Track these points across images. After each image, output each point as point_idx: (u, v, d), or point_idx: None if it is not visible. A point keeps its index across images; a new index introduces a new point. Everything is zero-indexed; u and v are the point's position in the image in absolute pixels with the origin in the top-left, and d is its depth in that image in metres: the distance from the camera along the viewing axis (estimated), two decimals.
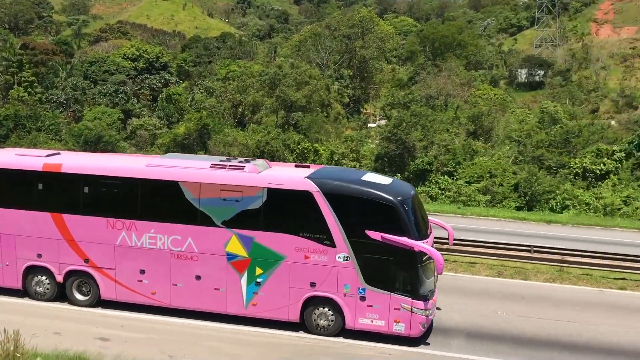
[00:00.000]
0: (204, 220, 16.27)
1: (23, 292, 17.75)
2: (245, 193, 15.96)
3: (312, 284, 15.86)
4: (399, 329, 15.49)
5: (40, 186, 17.24)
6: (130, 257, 16.85)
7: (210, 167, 16.70)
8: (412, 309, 15.31)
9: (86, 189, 17.05)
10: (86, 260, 17.16)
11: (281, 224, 15.89)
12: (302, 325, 16.22)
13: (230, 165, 16.67)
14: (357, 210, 15.53)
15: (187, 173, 16.50)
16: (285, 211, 15.99)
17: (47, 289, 17.60)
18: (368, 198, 15.49)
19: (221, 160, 17.26)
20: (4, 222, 17.34)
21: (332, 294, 15.79)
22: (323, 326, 16.05)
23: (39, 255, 17.34)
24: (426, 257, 15.16)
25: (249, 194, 15.93)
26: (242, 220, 16.00)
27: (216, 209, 16.15)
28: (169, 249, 16.55)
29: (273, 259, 15.96)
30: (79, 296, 17.52)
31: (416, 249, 15.04)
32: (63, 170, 17.09)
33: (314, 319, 16.10)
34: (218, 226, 16.21)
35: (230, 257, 16.22)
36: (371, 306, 15.61)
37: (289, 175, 16.51)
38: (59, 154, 18.62)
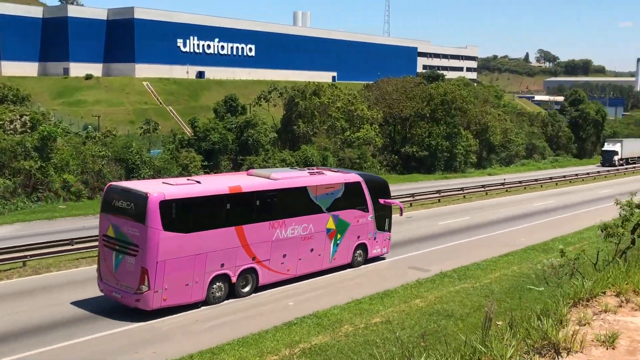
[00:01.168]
0: (318, 210, 23.66)
1: (203, 303, 20.34)
2: (336, 188, 24.36)
3: (358, 237, 25.65)
4: (385, 251, 27.44)
5: (228, 206, 20.56)
6: (279, 248, 22.15)
7: (317, 174, 24.63)
8: (389, 238, 27.52)
9: (257, 202, 21.55)
10: (253, 259, 21.39)
11: (351, 204, 25.06)
12: (352, 265, 25.90)
13: (326, 173, 25.21)
14: (375, 189, 26.31)
15: (309, 180, 23.65)
16: (353, 196, 25.07)
17: (223, 291, 20.70)
18: (378, 181, 27.77)
19: (310, 169, 26.17)
20: (200, 243, 19.53)
21: (365, 240, 26.08)
22: (358, 261, 26.03)
23: (222, 265, 20.38)
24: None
25: (337, 188, 24.46)
26: (334, 205, 24.20)
27: (324, 201, 23.84)
28: (299, 235, 22.89)
29: (346, 227, 24.82)
30: (245, 289, 21.46)
31: (395, 204, 28.54)
32: (243, 190, 21.06)
33: (355, 258, 25.84)
34: (324, 212, 23.86)
35: (328, 231, 24.10)
36: (377, 241, 26.70)
37: (350, 174, 26.42)
38: (199, 182, 20.89)
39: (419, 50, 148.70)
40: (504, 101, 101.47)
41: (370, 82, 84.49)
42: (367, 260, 26.68)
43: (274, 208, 21.95)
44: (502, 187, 54.32)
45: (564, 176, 63.93)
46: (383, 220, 26.71)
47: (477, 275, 25.39)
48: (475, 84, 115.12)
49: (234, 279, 20.73)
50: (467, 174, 67.67)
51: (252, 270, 21.39)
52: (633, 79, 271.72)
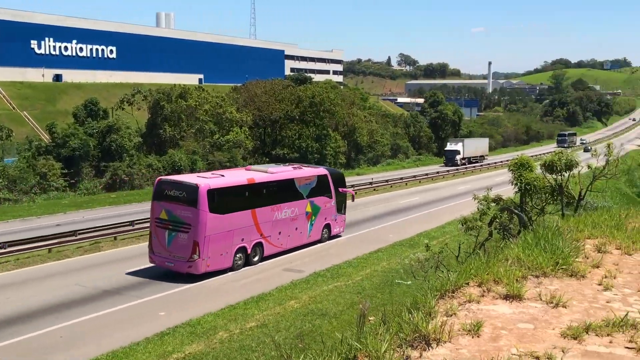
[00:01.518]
0: (300, 197, 29.63)
1: (229, 269, 25.64)
2: (311, 179, 30.62)
3: (325, 218, 31.70)
4: (342, 230, 33.65)
5: (246, 194, 26.54)
6: (276, 227, 27.93)
7: (300, 169, 31.43)
8: (345, 220, 33.80)
9: (264, 191, 27.43)
10: (261, 235, 27.05)
11: (321, 192, 31.16)
12: (320, 240, 31.77)
13: (303, 168, 32.17)
14: (336, 180, 32.89)
15: (295, 173, 30.11)
16: (322, 186, 31.17)
17: (242, 260, 26.15)
18: (338, 174, 34.29)
19: (294, 165, 32.69)
20: (230, 222, 25.05)
21: (330, 221, 32.22)
22: (325, 237, 31.94)
23: (242, 239, 25.99)
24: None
25: (313, 179, 30.71)
26: (310, 193, 30.28)
27: (304, 190, 29.94)
28: (289, 217, 28.70)
29: (318, 210, 30.87)
30: (255, 259, 27.00)
31: (349, 192, 34.84)
32: (256, 181, 27.14)
33: (323, 235, 31.76)
34: (304, 199, 29.90)
35: (306, 213, 30.04)
36: (337, 222, 32.95)
37: (319, 168, 33.86)
38: (223, 176, 26.85)
39: (286, 53, 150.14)
40: (370, 103, 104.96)
41: (239, 85, 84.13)
42: (331, 237, 32.75)
43: (274, 195, 28.03)
44: (370, 186, 56.10)
45: (426, 174, 67.24)
46: (341, 204, 32.98)
47: (349, 273, 26.01)
48: (342, 87, 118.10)
49: (249, 251, 26.36)
50: None
51: (260, 244, 27.08)
52: (485, 81, 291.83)
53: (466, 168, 79.41)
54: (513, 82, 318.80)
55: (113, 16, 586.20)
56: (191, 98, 62.85)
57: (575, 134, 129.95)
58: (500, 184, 52.99)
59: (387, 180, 59.54)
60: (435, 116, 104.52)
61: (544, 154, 72.18)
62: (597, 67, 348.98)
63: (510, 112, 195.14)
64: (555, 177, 18.20)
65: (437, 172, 69.61)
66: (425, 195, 52.76)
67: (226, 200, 25.03)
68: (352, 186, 53.45)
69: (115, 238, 31.97)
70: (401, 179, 61.86)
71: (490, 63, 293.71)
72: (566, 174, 18.43)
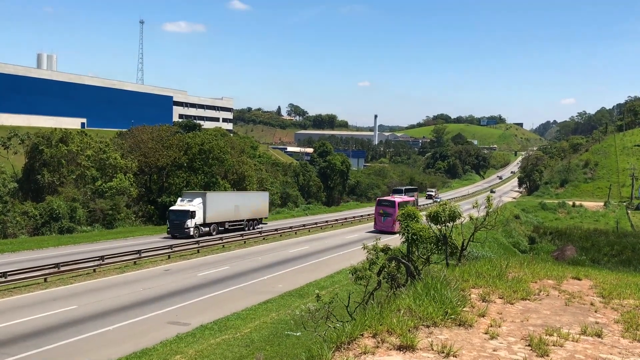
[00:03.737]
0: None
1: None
2: (410, 202, 63.57)
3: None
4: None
5: (399, 205, 58.23)
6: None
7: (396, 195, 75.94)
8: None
9: (399, 205, 58.25)
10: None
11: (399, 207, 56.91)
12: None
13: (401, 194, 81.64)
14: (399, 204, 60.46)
15: (397, 199, 64.89)
16: (402, 204, 54.88)
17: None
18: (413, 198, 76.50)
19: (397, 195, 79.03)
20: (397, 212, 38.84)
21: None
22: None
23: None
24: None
25: (410, 201, 64.98)
26: (401, 207, 48.05)
27: (402, 205, 55.69)
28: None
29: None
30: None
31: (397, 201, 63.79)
32: (399, 201, 62.58)
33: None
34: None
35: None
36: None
37: (404, 195, 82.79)
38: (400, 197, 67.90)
39: (175, 99, 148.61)
40: (259, 152, 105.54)
41: (124, 130, 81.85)
42: None
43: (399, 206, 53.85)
44: (259, 235, 55.79)
45: (315, 223, 67.91)
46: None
47: (238, 325, 25.47)
48: (232, 135, 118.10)
49: None
50: None
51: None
52: (372, 133, 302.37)
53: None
54: (397, 134, 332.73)
55: None
56: (72, 143, 60.33)
57: (415, 189, 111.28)
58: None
59: (276, 229, 59.52)
60: (324, 166, 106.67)
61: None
62: (475, 122, 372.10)
63: (396, 163, 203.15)
64: (440, 227, 18.94)
65: (326, 222, 70.50)
66: (314, 244, 53.15)
67: (401, 207, 49.21)
68: (242, 235, 53.14)
69: None
70: (290, 227, 62.09)
71: (376, 116, 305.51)
72: (450, 225, 19.22)
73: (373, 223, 65.21)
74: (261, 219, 64.17)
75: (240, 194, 64.11)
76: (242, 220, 60.13)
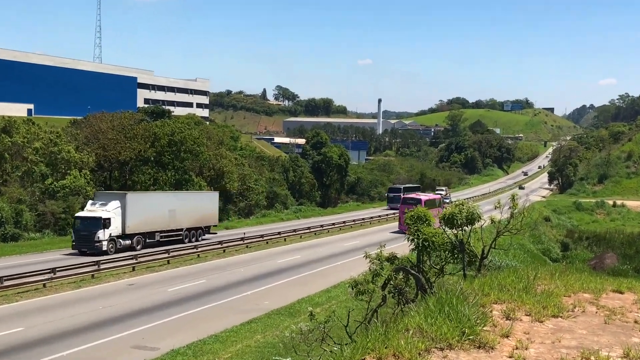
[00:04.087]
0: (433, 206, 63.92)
1: None
2: (436, 199, 76.71)
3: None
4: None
5: (426, 202, 66.33)
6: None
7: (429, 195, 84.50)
8: None
9: (425, 202, 65.81)
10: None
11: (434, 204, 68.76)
12: None
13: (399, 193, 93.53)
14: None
15: (423, 196, 75.09)
16: (429, 203, 66.93)
17: None
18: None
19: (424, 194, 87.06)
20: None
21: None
22: None
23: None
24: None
25: (436, 199, 77.72)
26: (428, 206, 56.52)
27: (431, 204, 66.79)
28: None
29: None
30: None
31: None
32: (425, 199, 71.29)
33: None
34: (435, 207, 60.50)
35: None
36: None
37: (432, 194, 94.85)
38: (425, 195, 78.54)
39: (140, 81, 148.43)
40: (241, 143, 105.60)
41: (79, 118, 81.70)
42: None
43: (426, 204, 59.35)
44: (241, 242, 55.83)
45: (309, 228, 68.02)
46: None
47: (216, 350, 25.48)
48: (208, 123, 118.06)
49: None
50: None
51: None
52: (375, 121, 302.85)
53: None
54: (405, 122, 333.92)
55: None
56: (17, 133, 60.21)
57: (417, 188, 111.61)
58: (396, 238, 54.64)
59: (262, 236, 59.56)
60: (319, 159, 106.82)
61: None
62: (497, 107, 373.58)
63: (403, 156, 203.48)
64: (456, 232, 18.98)
65: (321, 226, 70.63)
66: (307, 253, 53.23)
67: (427, 204, 58.74)
68: (220, 242, 53.19)
69: None
70: (279, 233, 62.13)
71: (380, 101, 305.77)
72: (467, 229, 19.27)
73: (397, 223, 70.23)
74: (209, 227, 60.03)
75: (178, 195, 60.10)
76: (181, 230, 55.67)
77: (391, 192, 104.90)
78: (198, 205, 58.56)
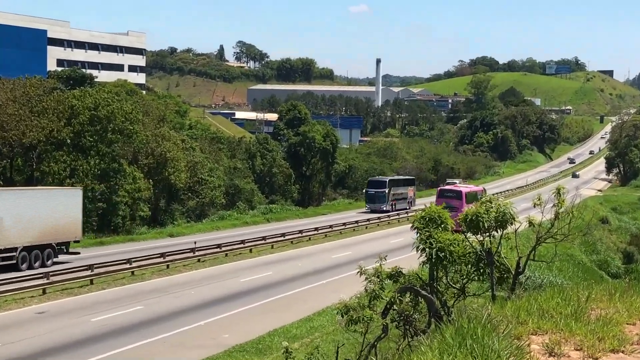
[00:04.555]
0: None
1: None
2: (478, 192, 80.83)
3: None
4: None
5: (467, 195, 77.32)
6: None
7: (467, 186, 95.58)
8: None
9: (467, 195, 76.63)
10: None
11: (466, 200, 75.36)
12: None
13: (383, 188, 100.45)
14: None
15: (464, 188, 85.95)
16: (470, 196, 75.85)
17: None
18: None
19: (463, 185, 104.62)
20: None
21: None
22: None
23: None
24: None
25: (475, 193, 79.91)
26: (469, 199, 70.34)
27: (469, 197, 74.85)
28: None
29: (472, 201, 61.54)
30: None
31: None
32: (467, 191, 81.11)
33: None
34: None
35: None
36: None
37: (470, 185, 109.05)
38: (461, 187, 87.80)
39: (51, 35, 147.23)
40: (191, 120, 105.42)
41: None
42: None
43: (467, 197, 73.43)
44: (192, 255, 55.71)
45: (282, 234, 67.86)
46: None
47: None
48: (145, 92, 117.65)
49: None
50: (137, 237, 68.23)
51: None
52: (372, 89, 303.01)
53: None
54: (413, 90, 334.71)
55: None
56: None
57: (412, 181, 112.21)
58: (401, 248, 54.68)
59: (219, 245, 59.46)
60: (296, 142, 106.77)
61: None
62: (537, 70, 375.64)
63: (411, 137, 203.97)
64: (482, 238, 19.01)
65: (300, 232, 70.59)
66: (281, 268, 53.26)
67: (468, 198, 70.90)
68: (162, 254, 53.14)
69: None
70: (242, 242, 62.07)
71: (379, 61, 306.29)
72: (497, 234, 19.31)
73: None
74: (67, 243, 54.03)
75: (5, 194, 51.93)
76: (13, 250, 48.80)
77: (372, 188, 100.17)
78: (44, 210, 52.16)
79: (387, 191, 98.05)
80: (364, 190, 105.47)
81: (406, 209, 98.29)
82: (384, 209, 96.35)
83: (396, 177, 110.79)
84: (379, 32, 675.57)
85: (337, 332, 23.09)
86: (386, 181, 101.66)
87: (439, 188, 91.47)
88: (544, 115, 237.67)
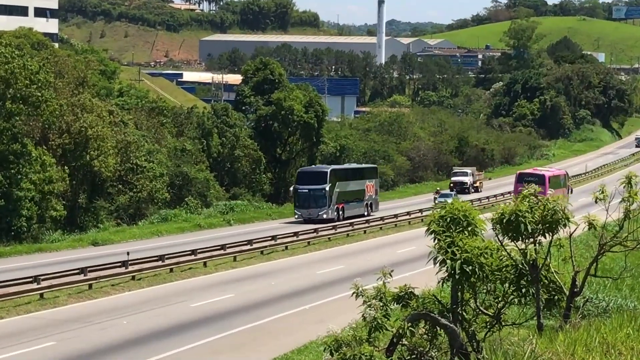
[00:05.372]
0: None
1: None
2: (557, 177, 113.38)
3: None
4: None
5: (549, 179, 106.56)
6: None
7: (552, 171, 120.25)
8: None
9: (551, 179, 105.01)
10: None
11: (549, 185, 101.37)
12: None
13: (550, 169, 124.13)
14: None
15: (547, 172, 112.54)
16: (555, 181, 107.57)
17: None
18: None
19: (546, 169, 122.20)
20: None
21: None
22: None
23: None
24: None
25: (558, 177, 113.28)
26: (552, 185, 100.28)
27: (553, 181, 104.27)
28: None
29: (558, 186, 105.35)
30: None
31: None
32: (553, 174, 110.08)
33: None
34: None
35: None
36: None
37: (553, 169, 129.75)
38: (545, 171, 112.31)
39: None
40: (122, 84, 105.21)
41: None
42: None
43: (550, 182, 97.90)
44: (124, 270, 55.66)
45: (248, 241, 67.73)
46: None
47: None
48: (57, 45, 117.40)
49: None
50: (47, 245, 68.07)
51: None
52: (373, 40, 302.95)
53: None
54: (429, 42, 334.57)
55: None
56: None
57: (374, 170, 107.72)
58: (412, 259, 54.87)
59: (161, 257, 59.35)
60: (268, 114, 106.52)
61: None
62: (599, 14, 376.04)
63: (426, 106, 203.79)
64: (525, 246, 18.99)
65: (273, 238, 70.55)
66: (248, 289, 53.34)
67: (553, 183, 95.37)
68: (82, 270, 53.07)
69: None
70: (193, 252, 61.99)
71: (382, 2, 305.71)
72: (544, 240, 19.30)
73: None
74: None
75: None
76: None
77: (304, 184, 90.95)
78: None
79: (327, 188, 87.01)
80: (290, 189, 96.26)
81: (363, 214, 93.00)
82: (325, 216, 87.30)
83: (345, 166, 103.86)
84: None
85: None
86: (327, 172, 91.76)
87: (517, 172, 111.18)
88: (610, 76, 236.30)
